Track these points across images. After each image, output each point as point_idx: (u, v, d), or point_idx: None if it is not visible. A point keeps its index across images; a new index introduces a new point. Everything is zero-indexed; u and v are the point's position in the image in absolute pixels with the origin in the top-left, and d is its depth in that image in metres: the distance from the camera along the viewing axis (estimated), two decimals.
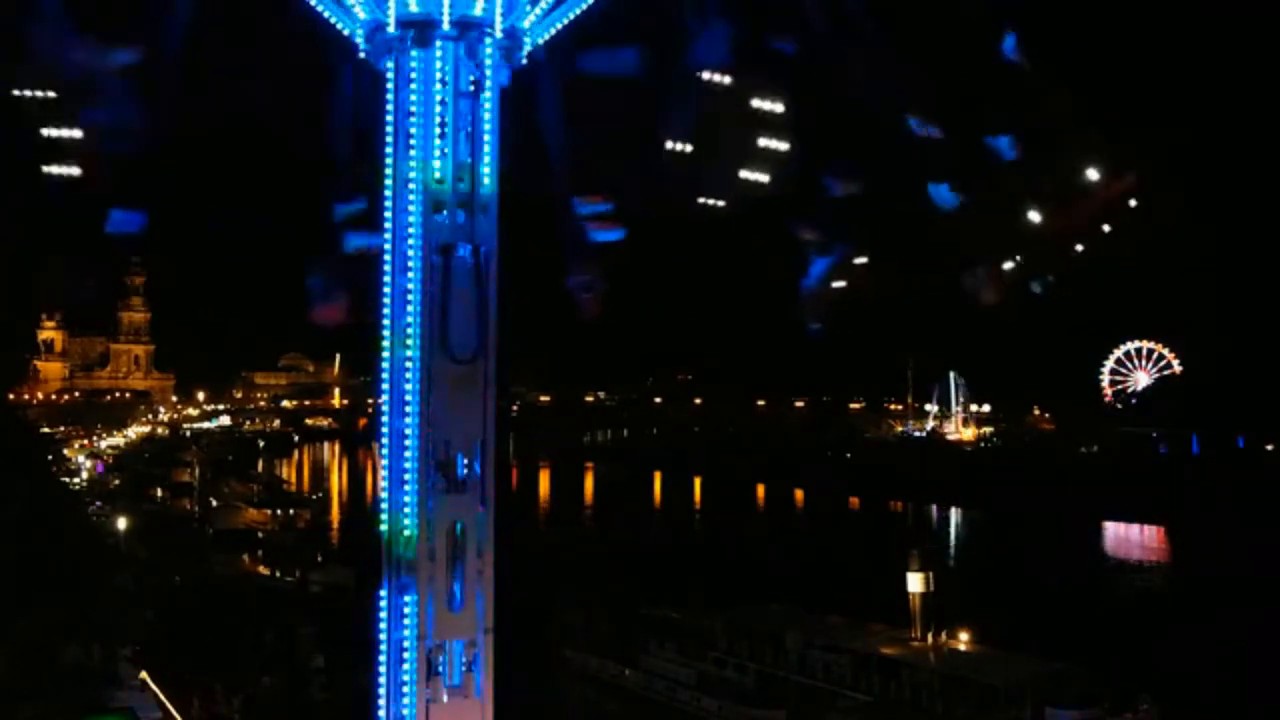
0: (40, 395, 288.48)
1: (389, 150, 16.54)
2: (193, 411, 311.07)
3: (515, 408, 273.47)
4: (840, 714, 54.93)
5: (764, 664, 60.01)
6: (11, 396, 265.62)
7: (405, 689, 16.28)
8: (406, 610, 16.36)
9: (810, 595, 68.84)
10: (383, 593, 16.63)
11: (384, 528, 16.69)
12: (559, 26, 16.86)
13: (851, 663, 56.82)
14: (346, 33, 16.64)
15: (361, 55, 16.66)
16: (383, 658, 16.61)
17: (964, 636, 57.85)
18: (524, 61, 16.78)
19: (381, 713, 16.56)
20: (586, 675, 64.46)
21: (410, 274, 16.56)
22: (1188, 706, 53.36)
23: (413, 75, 16.20)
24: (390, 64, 16.43)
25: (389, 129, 16.47)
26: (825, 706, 55.42)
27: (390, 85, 16.48)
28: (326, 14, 16.49)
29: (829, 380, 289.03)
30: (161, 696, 46.46)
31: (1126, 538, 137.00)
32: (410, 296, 16.55)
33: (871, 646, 57.36)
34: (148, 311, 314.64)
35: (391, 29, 16.14)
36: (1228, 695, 56.92)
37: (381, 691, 16.63)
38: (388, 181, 16.92)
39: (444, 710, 16.30)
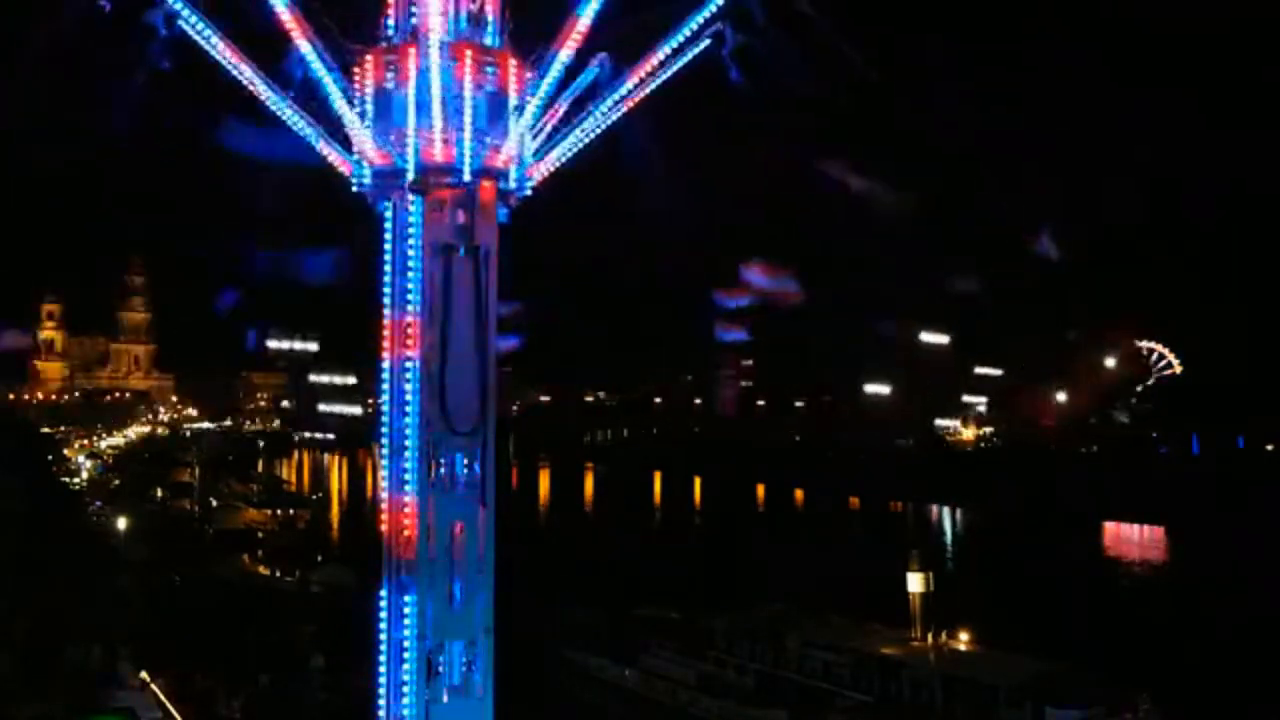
0: (40, 395, 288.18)
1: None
2: (193, 411, 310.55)
3: (515, 408, 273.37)
4: (840, 714, 54.91)
5: (764, 664, 59.89)
6: (11, 396, 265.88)
7: (405, 689, 16.28)
8: (406, 610, 16.36)
9: (810, 595, 68.70)
10: (383, 593, 16.65)
11: (384, 528, 16.71)
12: (554, 169, 17.52)
13: (851, 663, 56.70)
14: (344, 171, 17.07)
15: (355, 189, 17.05)
16: (383, 658, 16.62)
17: (964, 636, 57.78)
18: (515, 203, 17.23)
19: (381, 713, 16.57)
20: (586, 675, 64.43)
21: (410, 274, 16.62)
22: (1188, 706, 53.29)
23: (410, 219, 16.75)
24: (388, 205, 16.92)
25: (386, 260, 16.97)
26: (825, 706, 55.38)
27: (389, 220, 16.99)
28: (327, 156, 16.98)
29: (829, 380, 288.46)
30: (161, 696, 46.46)
31: (1127, 538, 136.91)
32: (410, 297, 16.59)
33: (871, 646, 57.26)
34: (148, 311, 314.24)
35: (402, 177, 16.58)
36: (1228, 695, 56.89)
37: (381, 691, 16.63)
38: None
39: (444, 710, 16.30)
